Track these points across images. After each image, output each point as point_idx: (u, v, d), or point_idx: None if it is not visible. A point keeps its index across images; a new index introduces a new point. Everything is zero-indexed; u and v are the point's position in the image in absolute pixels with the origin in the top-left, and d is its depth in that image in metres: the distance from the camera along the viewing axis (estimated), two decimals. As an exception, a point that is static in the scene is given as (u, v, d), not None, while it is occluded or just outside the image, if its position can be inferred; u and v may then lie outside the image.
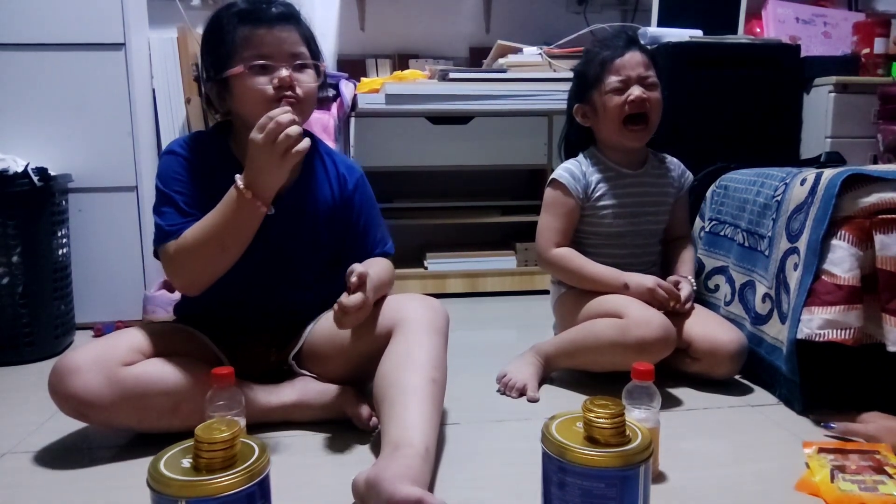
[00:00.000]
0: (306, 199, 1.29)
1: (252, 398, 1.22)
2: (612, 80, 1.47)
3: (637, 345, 1.32)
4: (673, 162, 1.64)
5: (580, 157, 1.59)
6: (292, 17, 1.20)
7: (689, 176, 1.64)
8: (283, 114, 1.06)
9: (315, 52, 1.23)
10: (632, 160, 1.57)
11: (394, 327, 1.18)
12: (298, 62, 1.18)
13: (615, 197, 1.54)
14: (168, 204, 1.19)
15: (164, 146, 2.16)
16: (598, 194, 1.54)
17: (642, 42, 2.30)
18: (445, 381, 1.15)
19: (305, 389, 1.28)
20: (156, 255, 1.22)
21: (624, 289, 1.45)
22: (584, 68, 1.54)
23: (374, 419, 1.20)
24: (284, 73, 1.15)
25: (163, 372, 1.17)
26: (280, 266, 1.30)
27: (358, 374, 1.28)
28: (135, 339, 1.20)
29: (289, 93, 1.15)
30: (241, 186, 1.09)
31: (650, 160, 1.59)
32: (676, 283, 1.49)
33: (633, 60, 1.48)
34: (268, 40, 1.16)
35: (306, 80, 1.19)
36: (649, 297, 1.42)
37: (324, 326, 1.30)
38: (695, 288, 1.52)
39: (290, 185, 1.27)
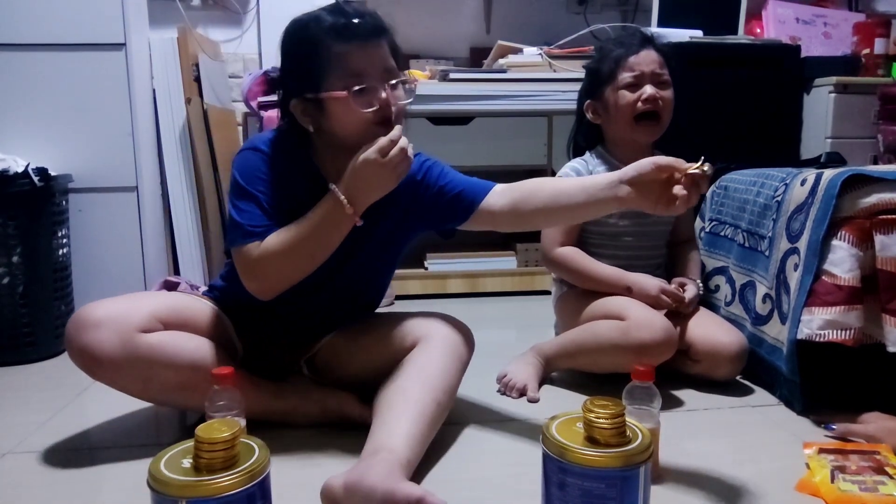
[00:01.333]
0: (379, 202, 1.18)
1: (255, 395, 1.22)
2: (626, 76, 1.47)
3: (638, 347, 1.32)
4: None
5: (586, 155, 1.58)
6: (383, 31, 1.16)
7: None
8: (399, 135, 1.09)
9: (400, 62, 1.19)
10: (639, 160, 1.56)
11: (417, 342, 1.17)
12: (393, 80, 1.14)
13: None
14: (250, 201, 1.15)
15: (164, 146, 2.17)
16: None
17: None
18: (450, 407, 1.14)
19: (307, 393, 1.28)
20: (228, 251, 1.19)
21: (627, 291, 1.44)
22: (598, 65, 1.53)
23: None
24: (383, 95, 1.12)
25: (176, 347, 1.15)
26: (346, 272, 1.27)
27: (368, 385, 1.21)
28: (157, 305, 1.18)
29: (387, 114, 1.13)
30: (344, 200, 1.10)
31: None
32: (682, 285, 1.49)
33: (647, 58, 1.47)
34: (363, 58, 1.12)
35: (400, 97, 1.16)
36: (653, 303, 1.41)
37: (346, 336, 1.30)
38: (701, 292, 1.52)
39: None
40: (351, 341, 1.29)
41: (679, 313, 1.48)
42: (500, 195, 1.24)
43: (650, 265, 1.56)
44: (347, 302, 1.32)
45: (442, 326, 1.21)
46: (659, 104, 1.47)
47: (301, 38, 1.14)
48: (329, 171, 1.18)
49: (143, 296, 1.22)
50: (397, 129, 1.10)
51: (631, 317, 1.35)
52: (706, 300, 1.69)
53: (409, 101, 1.17)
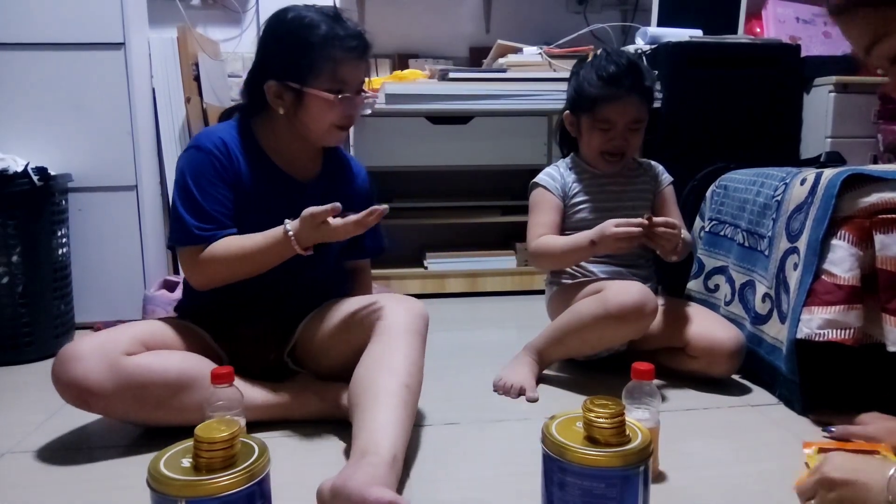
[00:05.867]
0: (329, 195, 1.26)
1: (252, 396, 1.22)
2: (601, 118, 1.48)
3: (618, 311, 1.34)
4: (651, 164, 1.63)
5: (559, 162, 1.62)
6: (369, 50, 1.28)
7: (668, 176, 1.63)
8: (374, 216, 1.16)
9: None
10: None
11: (373, 328, 1.19)
12: (364, 94, 1.30)
13: (590, 193, 1.55)
14: (195, 204, 1.22)
15: (163, 146, 2.17)
16: (575, 191, 1.56)
17: (642, 42, 2.32)
18: (420, 385, 1.15)
19: (305, 386, 1.30)
20: (172, 247, 1.25)
21: (591, 245, 1.41)
22: (582, 88, 1.51)
23: None
24: (355, 106, 1.27)
25: (164, 362, 1.17)
26: (296, 260, 1.28)
27: (345, 374, 1.23)
28: (137, 330, 1.21)
29: (351, 122, 1.30)
30: (295, 243, 1.18)
31: (628, 163, 1.59)
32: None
33: (627, 109, 1.47)
34: (353, 71, 1.25)
35: (360, 108, 1.32)
36: (619, 242, 1.37)
37: (312, 325, 1.33)
38: (680, 230, 1.42)
39: (314, 179, 1.35)
40: (315, 332, 1.31)
41: (677, 310, 1.48)
42: None
43: (634, 258, 1.54)
44: (306, 294, 1.37)
45: (393, 309, 1.21)
46: (625, 148, 1.50)
47: (300, 32, 1.22)
48: (273, 151, 1.31)
49: (121, 327, 1.25)
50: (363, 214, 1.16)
51: (608, 287, 1.39)
52: (706, 300, 1.69)
53: (367, 112, 1.33)
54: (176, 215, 1.24)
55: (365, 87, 1.31)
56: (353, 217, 1.16)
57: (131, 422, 1.23)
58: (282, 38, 1.25)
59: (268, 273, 1.25)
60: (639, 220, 1.37)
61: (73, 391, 1.13)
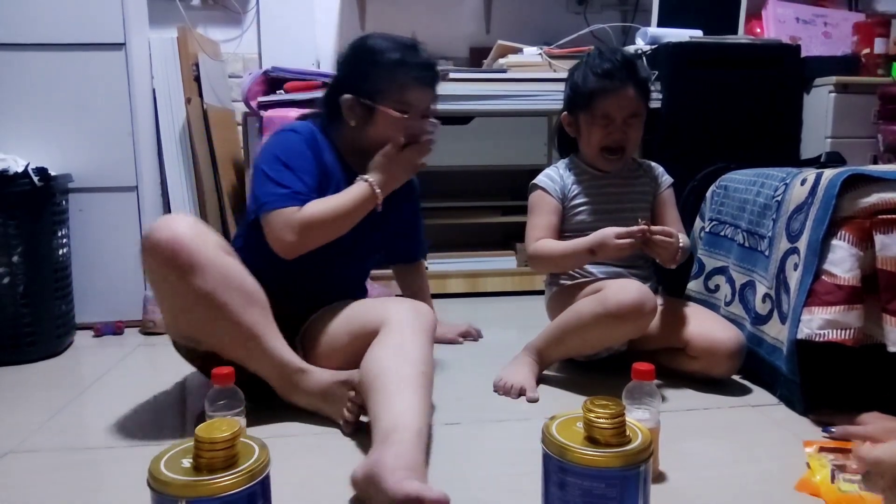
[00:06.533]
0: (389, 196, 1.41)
1: (310, 374, 1.28)
2: (599, 113, 1.48)
3: (617, 310, 1.34)
4: (651, 165, 1.63)
5: (559, 163, 1.62)
6: (437, 79, 1.44)
7: (668, 178, 1.63)
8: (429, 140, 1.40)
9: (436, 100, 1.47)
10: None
11: (381, 325, 1.23)
12: (429, 117, 1.43)
13: (590, 195, 1.55)
14: (291, 172, 1.34)
15: (164, 146, 2.17)
16: (574, 193, 1.56)
17: (642, 42, 2.32)
18: (433, 377, 1.18)
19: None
20: (255, 214, 1.33)
21: (590, 254, 1.43)
22: (578, 86, 1.52)
23: None
24: (419, 128, 1.40)
25: (245, 271, 1.27)
26: (351, 250, 1.45)
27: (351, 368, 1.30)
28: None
29: (414, 141, 1.42)
30: (377, 187, 1.35)
31: (627, 164, 1.59)
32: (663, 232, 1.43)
33: (623, 101, 1.47)
34: (422, 97, 1.40)
35: (424, 129, 1.43)
36: (617, 249, 1.38)
37: (318, 323, 1.40)
38: (679, 238, 1.43)
39: None
40: (321, 336, 1.37)
41: (677, 310, 1.48)
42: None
43: (634, 259, 1.54)
44: (342, 281, 1.50)
45: (400, 309, 1.27)
46: (625, 142, 1.50)
47: (377, 56, 1.38)
48: (348, 159, 1.44)
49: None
50: (428, 138, 1.40)
51: (607, 286, 1.39)
52: (705, 300, 1.69)
53: (435, 131, 1.45)
54: (267, 183, 1.33)
55: (433, 113, 1.44)
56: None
57: (192, 331, 1.27)
58: (361, 59, 1.40)
59: (309, 268, 1.37)
60: (637, 227, 1.38)
61: (167, 249, 1.17)
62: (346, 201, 1.34)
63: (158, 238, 1.19)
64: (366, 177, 1.36)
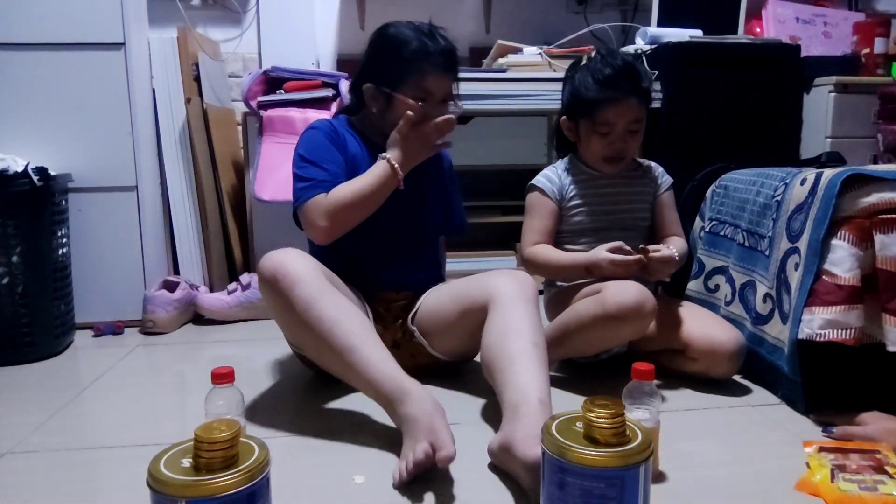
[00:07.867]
0: (417, 175, 1.45)
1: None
2: (600, 121, 1.47)
3: (616, 311, 1.34)
4: (651, 165, 1.63)
5: (558, 163, 1.61)
6: (456, 65, 1.47)
7: (668, 178, 1.62)
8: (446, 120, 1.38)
9: (458, 83, 1.49)
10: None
11: (488, 302, 1.29)
12: (448, 102, 1.46)
13: (588, 196, 1.55)
14: (314, 167, 1.42)
15: (163, 146, 2.17)
16: (572, 194, 1.55)
17: (642, 42, 2.32)
18: (545, 342, 1.23)
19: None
20: (295, 211, 1.43)
21: (586, 272, 1.45)
22: (578, 92, 1.49)
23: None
24: (434, 114, 1.39)
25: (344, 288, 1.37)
26: (398, 234, 1.52)
27: (465, 346, 1.43)
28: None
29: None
30: (395, 164, 1.38)
31: (627, 163, 1.59)
32: (644, 249, 1.44)
33: (625, 111, 1.46)
34: (437, 84, 1.42)
35: (447, 111, 1.43)
36: (612, 269, 1.40)
37: (433, 295, 1.49)
38: (676, 257, 1.45)
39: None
40: (431, 314, 1.46)
41: (676, 311, 1.48)
42: None
43: None
44: (406, 255, 1.55)
45: (504, 282, 1.32)
46: (625, 151, 1.50)
47: (395, 45, 1.42)
48: (378, 144, 1.48)
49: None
50: (445, 117, 1.38)
51: (607, 287, 1.39)
52: (705, 300, 1.69)
53: (456, 113, 1.44)
54: (296, 183, 1.42)
55: (452, 96, 1.47)
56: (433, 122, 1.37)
57: (300, 340, 1.32)
58: (380, 48, 1.46)
59: (366, 252, 1.49)
60: (634, 258, 1.40)
61: (279, 270, 1.24)
62: (369, 180, 1.39)
63: (265, 264, 1.27)
64: (385, 154, 1.40)
